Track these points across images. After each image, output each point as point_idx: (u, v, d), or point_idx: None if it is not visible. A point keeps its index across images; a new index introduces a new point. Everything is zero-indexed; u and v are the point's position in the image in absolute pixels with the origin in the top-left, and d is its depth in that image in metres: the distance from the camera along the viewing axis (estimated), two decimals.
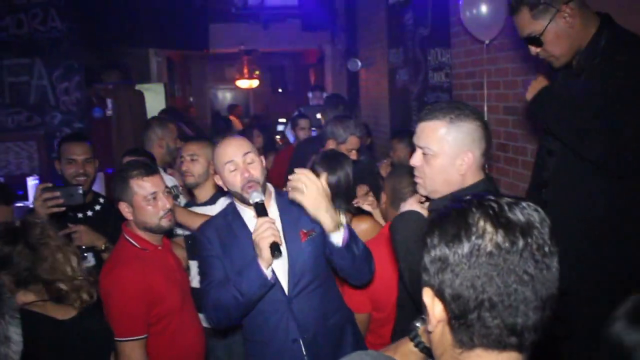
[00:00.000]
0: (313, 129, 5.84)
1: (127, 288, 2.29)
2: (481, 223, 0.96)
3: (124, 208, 2.44)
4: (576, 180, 2.25)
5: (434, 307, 1.01)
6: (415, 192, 2.02)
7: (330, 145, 3.80)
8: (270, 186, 2.31)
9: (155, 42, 8.13)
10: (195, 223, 2.80)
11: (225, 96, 16.65)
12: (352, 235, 2.04)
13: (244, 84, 14.06)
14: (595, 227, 2.20)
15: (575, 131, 2.17)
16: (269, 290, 2.10)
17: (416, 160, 1.88)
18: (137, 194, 2.41)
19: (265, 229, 1.97)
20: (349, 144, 3.86)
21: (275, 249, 1.96)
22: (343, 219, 2.00)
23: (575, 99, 2.22)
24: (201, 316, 2.69)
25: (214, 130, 5.51)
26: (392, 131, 6.49)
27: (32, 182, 4.74)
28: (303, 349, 2.19)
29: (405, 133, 4.16)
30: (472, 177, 1.84)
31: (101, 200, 3.30)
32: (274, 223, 2.02)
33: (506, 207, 0.98)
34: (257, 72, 14.13)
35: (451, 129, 1.80)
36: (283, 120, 10.16)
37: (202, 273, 2.31)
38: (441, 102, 2.03)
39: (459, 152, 1.80)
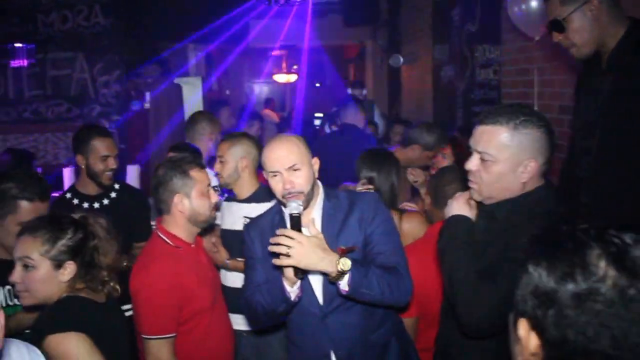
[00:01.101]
0: None
1: (157, 286, 2.24)
2: (602, 264, 0.85)
3: (179, 201, 2.38)
4: (616, 180, 2.20)
5: (530, 341, 0.92)
6: (458, 190, 1.96)
7: (415, 149, 3.66)
8: (321, 188, 2.19)
9: (195, 37, 8.19)
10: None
11: (262, 90, 16.62)
12: (362, 278, 1.89)
13: (281, 78, 14.04)
14: None
15: None
16: (294, 306, 2.04)
17: (472, 164, 1.80)
18: (197, 186, 2.39)
19: None
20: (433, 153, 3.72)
21: (298, 271, 1.88)
22: (347, 264, 1.85)
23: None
24: (231, 317, 2.65)
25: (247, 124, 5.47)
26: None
27: (68, 173, 4.78)
28: None
29: (467, 131, 4.09)
30: (532, 184, 1.77)
31: (116, 186, 3.24)
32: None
33: (631, 246, 0.86)
34: (295, 67, 14.09)
35: (515, 136, 1.71)
36: (320, 114, 10.07)
37: (244, 272, 2.30)
38: (504, 104, 1.93)
39: (522, 159, 1.73)
